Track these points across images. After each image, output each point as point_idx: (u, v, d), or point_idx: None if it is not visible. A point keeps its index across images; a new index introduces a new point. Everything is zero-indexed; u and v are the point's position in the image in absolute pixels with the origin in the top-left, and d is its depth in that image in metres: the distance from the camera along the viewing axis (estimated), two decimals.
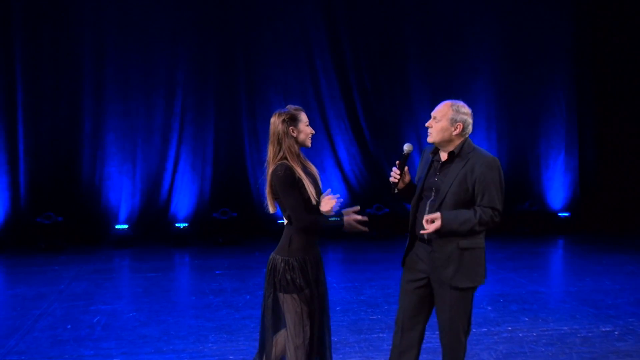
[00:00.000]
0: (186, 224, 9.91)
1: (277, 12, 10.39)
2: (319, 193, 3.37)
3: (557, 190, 11.15)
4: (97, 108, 9.92)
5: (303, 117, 3.37)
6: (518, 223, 10.71)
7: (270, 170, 3.30)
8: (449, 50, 10.82)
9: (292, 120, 3.33)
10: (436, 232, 3.28)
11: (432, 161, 3.51)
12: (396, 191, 3.53)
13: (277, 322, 3.34)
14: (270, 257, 3.37)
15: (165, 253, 9.23)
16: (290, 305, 3.26)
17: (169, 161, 10.13)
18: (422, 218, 3.36)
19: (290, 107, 3.38)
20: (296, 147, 3.33)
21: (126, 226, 9.76)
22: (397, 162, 3.47)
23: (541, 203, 11.04)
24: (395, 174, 3.47)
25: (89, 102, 9.91)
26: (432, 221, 3.26)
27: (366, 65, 10.70)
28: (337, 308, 5.97)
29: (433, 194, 3.42)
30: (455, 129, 3.38)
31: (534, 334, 5.19)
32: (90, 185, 9.93)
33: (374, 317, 5.72)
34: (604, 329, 5.32)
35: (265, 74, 10.38)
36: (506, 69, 11.04)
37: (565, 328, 5.35)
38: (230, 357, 4.71)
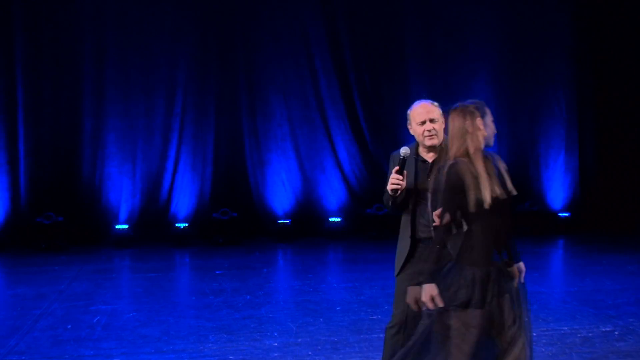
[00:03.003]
0: (186, 224, 9.91)
1: (277, 12, 10.38)
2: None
3: (557, 190, 11.13)
4: (97, 108, 9.92)
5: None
6: (518, 223, 10.69)
7: None
8: (449, 50, 10.80)
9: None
10: None
11: (417, 163, 3.48)
12: (397, 196, 3.48)
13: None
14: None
15: (166, 253, 9.23)
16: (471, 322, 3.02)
17: (169, 161, 10.12)
18: (422, 223, 3.36)
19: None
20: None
21: (126, 226, 9.76)
22: (396, 167, 3.42)
23: (541, 203, 11.03)
24: (397, 179, 3.39)
25: (89, 102, 9.90)
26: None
27: (366, 65, 10.69)
28: (337, 308, 5.98)
29: (431, 195, 3.41)
30: (443, 123, 3.44)
31: (534, 334, 5.15)
32: (91, 185, 9.93)
33: (374, 317, 5.71)
34: (604, 329, 5.31)
35: (265, 73, 10.36)
36: (506, 69, 11.03)
37: (566, 328, 5.35)
38: (230, 357, 4.71)
